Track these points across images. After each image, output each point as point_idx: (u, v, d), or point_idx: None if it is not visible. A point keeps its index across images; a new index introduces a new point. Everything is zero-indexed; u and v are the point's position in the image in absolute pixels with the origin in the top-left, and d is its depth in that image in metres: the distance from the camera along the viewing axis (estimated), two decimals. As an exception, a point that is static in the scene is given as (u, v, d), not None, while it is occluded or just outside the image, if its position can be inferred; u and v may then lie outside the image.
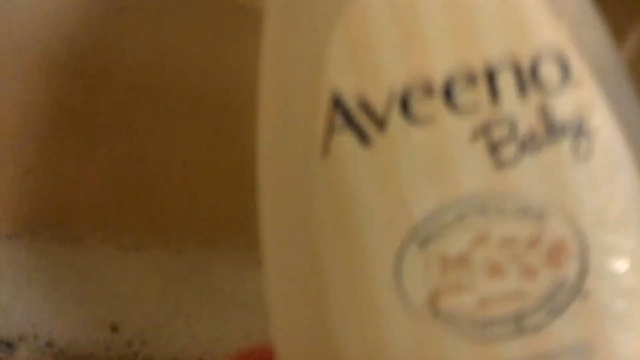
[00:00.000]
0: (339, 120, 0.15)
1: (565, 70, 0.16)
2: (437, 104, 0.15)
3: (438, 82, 0.15)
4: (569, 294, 0.15)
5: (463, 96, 0.15)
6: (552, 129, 0.16)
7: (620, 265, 0.16)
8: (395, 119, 0.15)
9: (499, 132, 0.15)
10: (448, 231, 0.15)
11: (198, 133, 0.61)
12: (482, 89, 0.15)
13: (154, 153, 0.59)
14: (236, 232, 0.70)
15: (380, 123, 0.15)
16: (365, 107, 0.15)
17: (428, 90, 0.15)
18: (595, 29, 0.18)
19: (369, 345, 0.15)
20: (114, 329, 0.49)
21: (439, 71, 0.15)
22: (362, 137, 0.15)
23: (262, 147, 0.16)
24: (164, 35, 0.52)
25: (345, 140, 0.15)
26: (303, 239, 0.15)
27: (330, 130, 0.15)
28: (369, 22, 0.15)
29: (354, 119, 0.15)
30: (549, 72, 0.16)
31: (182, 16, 0.52)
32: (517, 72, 0.15)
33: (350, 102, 0.15)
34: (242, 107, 0.61)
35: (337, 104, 0.15)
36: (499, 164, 0.15)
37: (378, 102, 0.15)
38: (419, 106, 0.15)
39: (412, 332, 0.15)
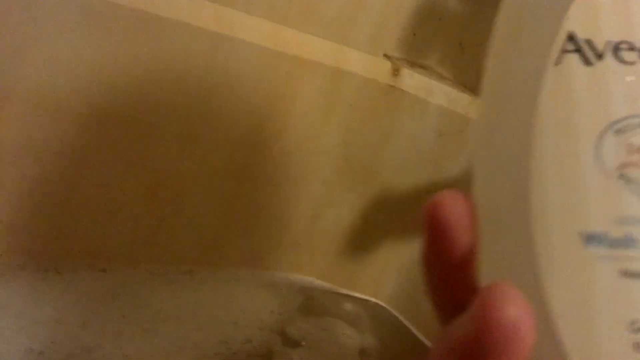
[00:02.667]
0: (571, 47, 0.22)
1: None
2: (636, 56, 0.22)
3: (638, 44, 0.22)
4: None
5: None
6: None
7: None
8: (609, 56, 0.22)
9: None
10: (634, 129, 0.21)
11: (111, 149, 0.60)
12: None
13: (60, 170, 0.57)
14: (159, 246, 0.69)
15: (599, 55, 0.22)
16: (590, 44, 0.22)
17: (631, 47, 0.22)
18: None
19: (569, 201, 0.20)
20: (40, 356, 0.47)
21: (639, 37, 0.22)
22: (586, 60, 0.22)
23: (493, 58, 0.24)
24: (67, 47, 0.50)
25: (574, 59, 0.22)
26: (522, 120, 0.22)
27: (563, 51, 0.22)
28: None
29: (582, 48, 0.22)
30: None
31: (88, 27, 0.50)
32: None
33: (581, 39, 0.22)
34: (150, 120, 0.60)
35: (571, 38, 0.22)
36: None
37: (599, 44, 0.22)
38: (625, 54, 0.22)
39: (603, 189, 0.20)
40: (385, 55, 0.71)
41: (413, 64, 0.74)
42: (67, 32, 0.51)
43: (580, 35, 0.22)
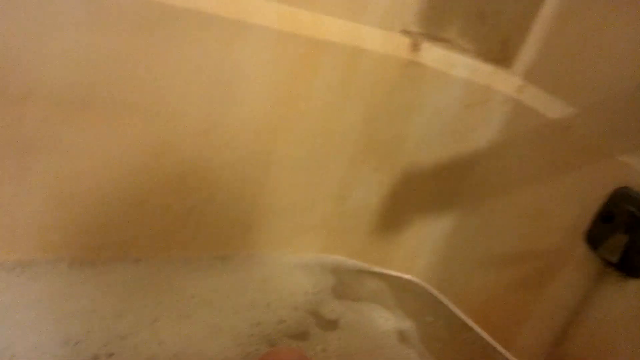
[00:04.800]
0: None
1: None
2: None
3: None
4: None
5: None
6: None
7: None
8: None
9: None
10: None
11: (130, 140, 0.61)
12: None
13: (88, 165, 0.59)
14: (191, 234, 0.70)
15: None
16: None
17: None
18: None
19: None
20: (77, 346, 0.48)
21: None
22: None
23: None
24: (83, 42, 0.51)
25: None
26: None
27: None
28: None
29: None
30: None
31: (101, 20, 0.51)
32: None
33: None
34: (172, 111, 0.61)
35: None
36: None
37: None
38: None
39: None
40: (404, 31, 0.71)
41: (433, 38, 0.73)
42: (82, 27, 0.52)
43: None
